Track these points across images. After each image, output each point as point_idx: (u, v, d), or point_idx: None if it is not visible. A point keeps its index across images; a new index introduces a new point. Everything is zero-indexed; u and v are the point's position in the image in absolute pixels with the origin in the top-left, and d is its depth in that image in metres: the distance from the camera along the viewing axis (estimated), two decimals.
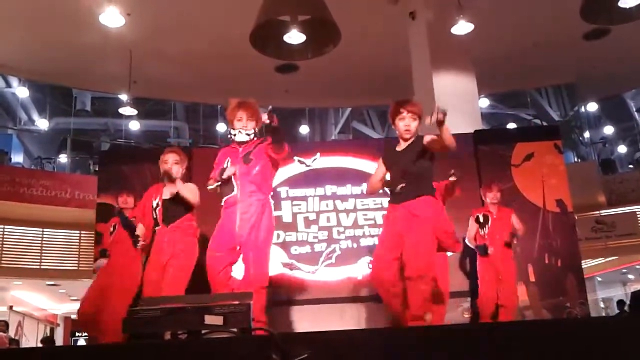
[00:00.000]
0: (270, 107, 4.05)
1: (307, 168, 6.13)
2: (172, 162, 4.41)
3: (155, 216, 4.39)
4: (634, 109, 17.12)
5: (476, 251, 5.32)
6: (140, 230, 4.50)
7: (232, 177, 4.01)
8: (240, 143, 4.09)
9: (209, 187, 4.09)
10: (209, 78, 11.06)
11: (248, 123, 4.07)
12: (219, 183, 4.02)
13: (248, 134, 4.08)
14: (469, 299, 5.58)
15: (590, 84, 12.39)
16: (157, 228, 4.37)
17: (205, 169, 5.85)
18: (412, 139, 3.83)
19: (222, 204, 4.05)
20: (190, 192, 4.33)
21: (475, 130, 6.49)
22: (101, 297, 4.99)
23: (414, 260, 3.58)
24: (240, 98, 4.17)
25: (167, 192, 4.37)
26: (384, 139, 14.28)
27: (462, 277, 5.65)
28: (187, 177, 5.68)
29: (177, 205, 4.32)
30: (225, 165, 4.06)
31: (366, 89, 11.88)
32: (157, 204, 4.38)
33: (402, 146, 3.88)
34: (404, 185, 3.74)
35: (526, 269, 5.70)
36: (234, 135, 4.10)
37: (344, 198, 6.01)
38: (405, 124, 3.82)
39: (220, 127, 17.03)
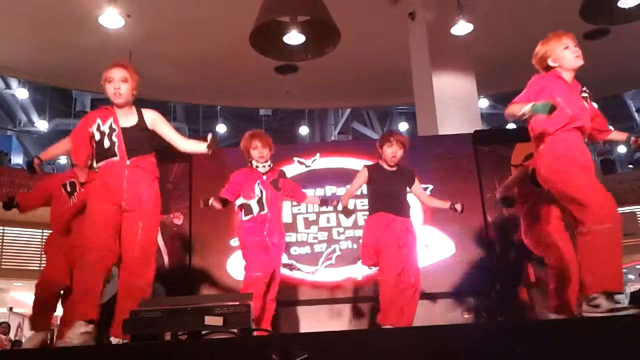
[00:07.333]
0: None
1: (307, 169, 6.14)
2: (119, 81, 3.45)
3: (96, 148, 3.37)
4: (634, 109, 17.15)
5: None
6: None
7: (264, 197, 4.32)
8: (264, 172, 4.44)
9: (211, 203, 4.29)
10: (209, 79, 11.06)
11: (263, 150, 4.42)
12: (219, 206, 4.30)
13: (269, 165, 4.47)
14: (469, 299, 5.59)
15: (590, 84, 12.26)
16: (106, 160, 3.32)
17: (205, 170, 5.89)
18: (399, 166, 4.43)
19: (246, 218, 4.32)
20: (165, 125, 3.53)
21: (475, 131, 6.49)
22: None
23: (415, 273, 4.19)
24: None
25: (127, 120, 3.43)
26: None
27: (460, 278, 5.65)
28: (187, 177, 5.70)
29: (140, 138, 3.38)
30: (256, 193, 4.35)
31: (366, 90, 11.88)
32: (103, 132, 3.34)
33: (391, 169, 4.41)
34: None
35: (526, 270, 5.68)
36: (256, 167, 4.44)
37: None
38: (393, 150, 4.37)
39: (220, 128, 17.06)
